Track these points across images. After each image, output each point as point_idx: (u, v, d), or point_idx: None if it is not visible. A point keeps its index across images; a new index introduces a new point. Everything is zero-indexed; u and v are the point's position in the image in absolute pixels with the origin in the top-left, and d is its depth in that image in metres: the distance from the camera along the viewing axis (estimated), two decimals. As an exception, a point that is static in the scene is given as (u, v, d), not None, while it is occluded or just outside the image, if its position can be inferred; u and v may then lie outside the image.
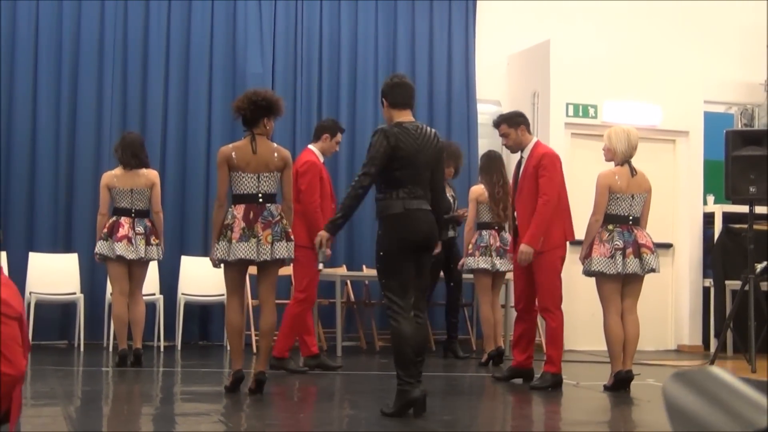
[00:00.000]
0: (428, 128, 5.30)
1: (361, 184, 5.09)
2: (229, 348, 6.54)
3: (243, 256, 5.76)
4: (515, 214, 6.41)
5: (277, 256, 5.83)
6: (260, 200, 5.85)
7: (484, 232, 7.67)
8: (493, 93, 10.31)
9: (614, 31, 10.07)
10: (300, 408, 5.96)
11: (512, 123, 6.38)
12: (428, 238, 5.13)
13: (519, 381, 6.35)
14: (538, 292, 6.25)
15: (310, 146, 7.20)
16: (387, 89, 5.24)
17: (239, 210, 5.81)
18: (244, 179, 5.84)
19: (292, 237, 5.98)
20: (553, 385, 6.15)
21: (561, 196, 6.23)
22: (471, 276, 8.18)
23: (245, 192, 5.84)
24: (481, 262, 7.62)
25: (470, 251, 7.68)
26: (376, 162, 5.06)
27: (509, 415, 5.95)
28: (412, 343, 4.97)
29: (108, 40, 9.36)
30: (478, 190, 7.77)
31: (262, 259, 5.78)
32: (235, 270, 5.90)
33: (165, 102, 9.50)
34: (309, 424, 5.32)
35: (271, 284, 6.00)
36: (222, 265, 5.91)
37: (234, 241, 5.78)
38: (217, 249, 5.80)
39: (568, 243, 6.41)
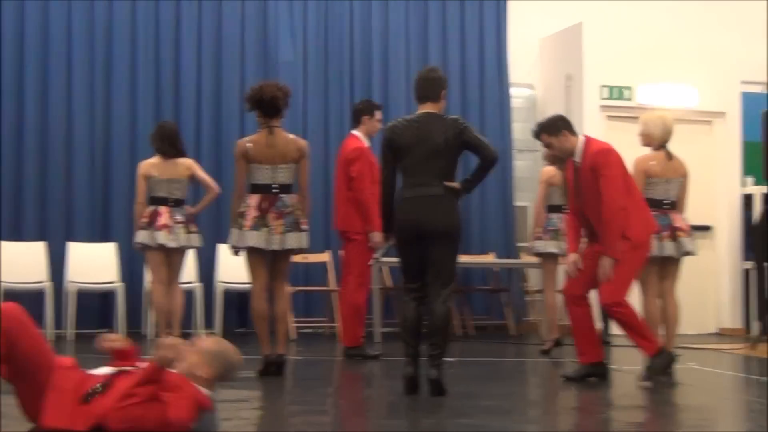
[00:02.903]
0: (442, 117, 5.37)
1: (381, 183, 5.44)
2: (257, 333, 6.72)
3: (253, 245, 5.95)
4: (585, 217, 5.87)
5: (288, 247, 6.01)
6: (275, 191, 6.01)
7: (553, 215, 7.39)
8: (526, 77, 10.33)
9: (648, 12, 9.97)
10: (338, 392, 5.99)
11: (552, 130, 5.89)
12: (421, 225, 5.20)
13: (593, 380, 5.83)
14: (610, 284, 5.68)
15: (354, 132, 7.23)
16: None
17: (253, 199, 6.00)
18: (259, 170, 6.02)
19: (304, 227, 6.11)
20: (669, 364, 5.79)
21: (629, 190, 5.74)
22: (532, 260, 8.09)
23: (260, 182, 6.02)
24: (550, 246, 7.41)
25: (539, 234, 7.49)
26: (383, 158, 5.40)
27: (553, 397, 5.90)
28: (407, 325, 5.23)
29: (140, 30, 9.46)
30: (550, 171, 7.36)
31: (271, 248, 5.96)
32: (252, 257, 6.08)
33: (198, 91, 9.58)
34: (348, 408, 5.37)
35: (281, 273, 6.17)
36: (240, 252, 6.11)
37: (245, 229, 5.97)
38: (232, 236, 6.04)
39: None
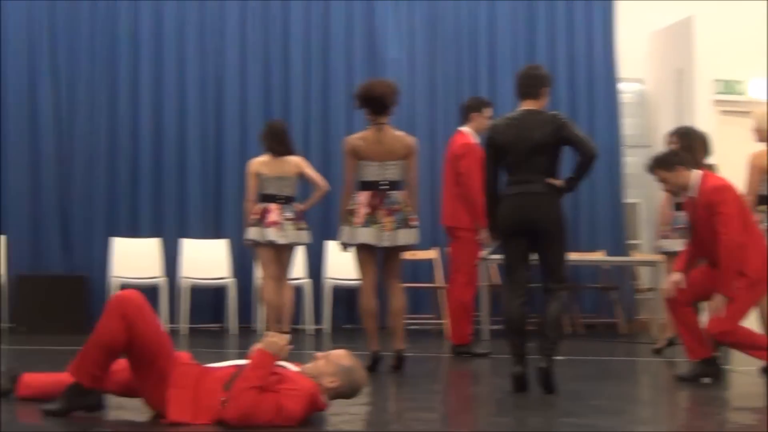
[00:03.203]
0: (542, 113, 5.36)
1: (484, 181, 5.43)
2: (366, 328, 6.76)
3: (364, 241, 5.98)
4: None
5: (399, 243, 6.03)
6: (383, 187, 6.03)
7: (680, 213, 7.02)
8: (636, 71, 10.26)
9: (760, 4, 9.71)
10: (446, 390, 5.97)
11: (667, 165, 5.84)
12: (523, 221, 5.24)
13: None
14: (721, 318, 5.52)
15: (462, 128, 7.21)
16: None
17: (363, 196, 6.02)
18: (369, 167, 6.03)
19: (414, 224, 6.12)
20: None
21: (746, 226, 5.58)
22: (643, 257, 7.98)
23: (370, 179, 6.04)
24: (678, 245, 7.02)
25: (665, 233, 7.30)
26: (486, 156, 5.43)
27: (665, 397, 5.72)
28: (512, 323, 5.22)
29: (249, 31, 9.67)
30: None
31: (383, 245, 6.00)
32: (361, 254, 6.11)
33: (306, 89, 9.74)
34: (456, 405, 5.38)
35: (393, 269, 6.20)
36: (349, 248, 6.14)
37: (356, 225, 6.01)
38: (342, 233, 6.07)
39: None
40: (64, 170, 9.36)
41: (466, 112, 7.26)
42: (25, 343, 7.66)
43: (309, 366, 4.24)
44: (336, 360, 4.25)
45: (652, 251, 8.69)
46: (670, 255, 7.27)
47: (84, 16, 9.48)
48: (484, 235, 6.67)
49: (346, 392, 4.26)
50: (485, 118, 7.09)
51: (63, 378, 4.36)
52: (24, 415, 4.29)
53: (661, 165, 5.82)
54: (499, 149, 5.30)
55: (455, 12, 9.95)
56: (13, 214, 9.17)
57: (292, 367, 4.22)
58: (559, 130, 5.22)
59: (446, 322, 7.94)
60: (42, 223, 9.30)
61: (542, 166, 5.21)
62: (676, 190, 5.91)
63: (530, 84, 5.37)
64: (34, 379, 4.54)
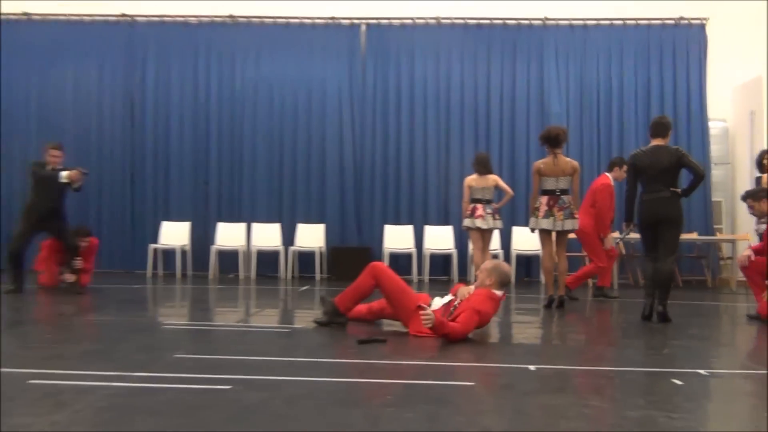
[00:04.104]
0: (668, 147, 5.35)
1: (626, 190, 5.51)
2: (543, 281, 6.83)
3: (545, 227, 6.15)
4: None
5: (566, 228, 6.16)
6: (557, 193, 6.16)
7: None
8: (721, 113, 9.84)
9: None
10: (589, 319, 5.81)
11: (755, 197, 5.81)
12: (656, 216, 5.23)
13: None
14: None
15: (607, 173, 7.17)
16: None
17: (544, 199, 6.17)
18: (548, 180, 6.16)
19: (576, 216, 6.18)
20: None
21: None
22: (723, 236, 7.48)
23: (548, 188, 6.18)
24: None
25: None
26: (628, 174, 5.55)
27: (740, 329, 5.35)
28: (648, 277, 5.43)
29: (467, 89, 9.64)
30: None
31: (556, 229, 6.15)
32: (543, 235, 6.25)
33: (500, 131, 9.84)
34: (598, 330, 5.25)
35: (562, 244, 6.26)
36: (534, 231, 6.23)
37: (540, 217, 6.16)
38: (530, 221, 6.24)
39: None
40: (357, 177, 9.72)
41: (612, 165, 7.27)
42: (335, 286, 7.99)
43: (476, 282, 4.53)
44: (484, 267, 4.39)
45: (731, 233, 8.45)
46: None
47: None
48: (608, 241, 6.85)
49: (503, 279, 4.32)
50: (623, 172, 6.96)
51: (363, 308, 4.82)
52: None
53: (750, 196, 5.90)
54: (638, 169, 5.35)
55: (596, 76, 9.76)
56: (330, 210, 9.76)
57: (471, 287, 4.43)
58: (680, 159, 5.26)
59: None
60: (345, 214, 9.75)
61: (668, 180, 5.24)
62: (759, 215, 5.89)
63: (660, 128, 5.41)
64: (355, 310, 4.75)
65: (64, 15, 10.44)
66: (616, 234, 7.67)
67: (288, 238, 9.65)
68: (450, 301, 4.25)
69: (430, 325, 3.93)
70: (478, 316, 4.13)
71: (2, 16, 10.36)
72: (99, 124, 10.33)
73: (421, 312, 3.94)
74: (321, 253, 9.48)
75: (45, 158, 7.21)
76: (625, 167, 6.70)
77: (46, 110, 10.31)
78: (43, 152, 7.50)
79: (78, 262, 7.30)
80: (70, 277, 7.25)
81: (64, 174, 7.01)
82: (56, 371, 3.21)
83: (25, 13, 10.50)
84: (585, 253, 7.74)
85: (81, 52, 10.34)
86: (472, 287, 4.34)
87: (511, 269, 4.49)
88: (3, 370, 3.23)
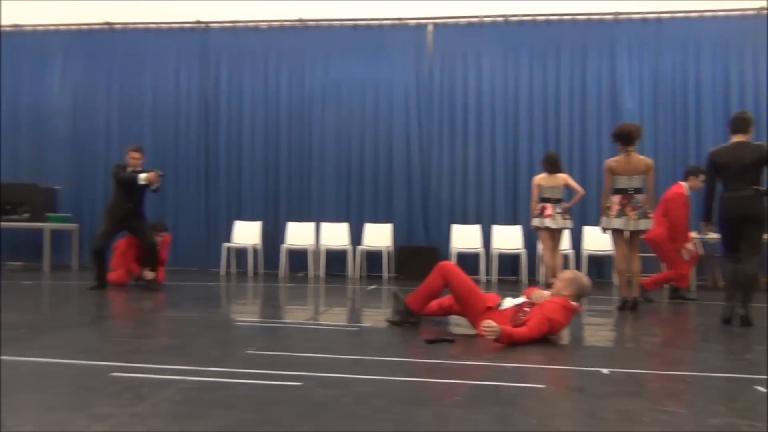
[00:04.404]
0: (750, 143, 5.16)
1: (705, 189, 5.40)
2: (616, 282, 6.77)
3: (617, 227, 6.00)
4: None
5: (640, 228, 6.00)
6: (630, 192, 6.00)
7: None
8: None
9: None
10: (666, 322, 5.56)
11: None
12: (738, 215, 5.08)
13: None
14: None
15: (682, 183, 6.99)
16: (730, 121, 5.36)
17: (616, 198, 6.03)
18: (620, 179, 6.01)
19: (650, 216, 6.00)
20: None
21: None
22: None
23: (621, 187, 6.03)
24: None
25: None
26: (707, 172, 5.38)
27: None
28: (728, 278, 5.23)
29: (536, 91, 9.66)
30: None
31: (629, 229, 5.98)
32: (615, 235, 6.07)
33: (570, 129, 9.78)
34: (674, 333, 5.07)
35: (634, 245, 6.08)
36: (606, 231, 6.08)
37: (611, 216, 6.01)
38: (602, 221, 6.10)
39: None
40: (425, 176, 9.79)
41: (687, 173, 7.07)
42: (403, 285, 8.12)
43: (553, 290, 4.42)
44: (563, 277, 4.30)
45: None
46: None
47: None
48: (687, 252, 6.65)
49: (581, 292, 4.22)
50: (699, 181, 6.87)
51: (434, 304, 4.81)
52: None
53: None
54: (718, 167, 5.19)
55: (671, 70, 9.53)
56: (397, 209, 9.85)
57: (547, 293, 4.32)
58: (762, 156, 5.09)
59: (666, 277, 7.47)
60: (412, 214, 9.83)
61: (750, 178, 5.09)
62: None
63: (741, 124, 5.21)
64: (426, 307, 4.75)
65: (143, 23, 10.89)
66: (694, 234, 7.51)
67: (356, 237, 9.79)
68: (522, 303, 4.20)
69: (493, 338, 3.88)
70: (549, 324, 4.07)
71: (88, 27, 10.89)
72: (175, 127, 10.76)
73: (483, 326, 3.87)
74: (388, 253, 9.56)
75: (126, 160, 7.52)
76: (701, 176, 6.71)
77: (127, 114, 10.83)
78: (124, 155, 7.81)
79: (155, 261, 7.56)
80: (149, 275, 7.50)
81: (142, 176, 7.29)
82: (136, 365, 3.32)
83: (107, 23, 10.90)
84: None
85: (159, 58, 10.82)
86: (547, 293, 4.26)
87: (590, 282, 4.35)
88: (87, 362, 3.36)
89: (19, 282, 7.69)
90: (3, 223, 10.03)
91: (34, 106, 10.99)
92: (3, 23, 11.19)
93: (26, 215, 10.00)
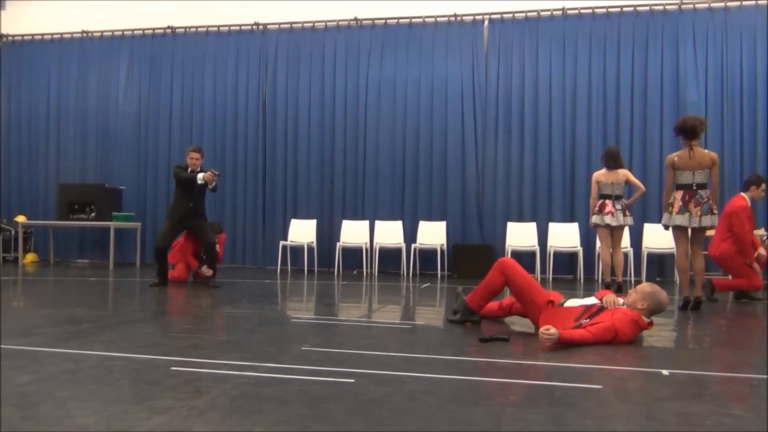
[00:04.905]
0: None
1: None
2: (678, 281, 6.53)
3: (679, 224, 5.85)
4: None
5: (703, 224, 5.82)
6: (694, 188, 5.85)
7: None
8: None
9: None
10: (731, 324, 5.42)
11: None
12: None
13: None
14: None
15: (743, 194, 6.78)
16: None
17: (679, 194, 5.88)
18: (683, 174, 5.86)
19: (715, 212, 5.83)
20: None
21: None
22: None
23: (684, 183, 5.89)
24: None
25: None
26: None
27: None
28: None
29: (594, 89, 9.67)
30: None
31: (692, 226, 5.84)
32: (677, 232, 5.90)
33: (631, 124, 9.57)
34: (735, 335, 4.91)
35: (698, 242, 5.94)
36: (668, 228, 5.90)
37: (674, 213, 5.87)
38: (664, 218, 5.96)
39: None
40: (479, 173, 9.70)
41: (747, 184, 6.80)
42: (458, 283, 8.13)
43: (627, 299, 4.15)
44: (641, 289, 4.10)
45: None
46: None
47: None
48: (755, 265, 6.51)
49: (656, 309, 4.05)
50: (761, 191, 6.70)
51: (494, 304, 4.80)
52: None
53: None
54: None
55: (739, 60, 9.25)
56: (452, 207, 9.94)
57: (621, 300, 4.14)
58: None
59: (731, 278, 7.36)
60: (467, 211, 9.82)
61: None
62: None
63: None
64: (487, 308, 4.74)
65: (203, 26, 11.13)
66: (762, 231, 7.36)
67: (410, 235, 9.86)
68: (593, 305, 4.08)
69: (550, 343, 3.76)
70: (614, 334, 3.93)
71: (151, 32, 11.23)
72: (234, 128, 10.99)
73: (543, 332, 3.74)
74: (442, 251, 9.59)
75: (186, 161, 7.62)
76: (763, 185, 6.60)
77: (188, 115, 11.14)
78: (184, 155, 8.08)
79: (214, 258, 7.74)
80: (207, 272, 7.67)
81: (200, 176, 7.46)
82: (195, 359, 3.39)
83: (170, 27, 11.19)
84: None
85: (218, 60, 11.09)
86: (621, 300, 4.12)
87: (668, 299, 4.17)
88: (149, 357, 3.46)
89: (86, 279, 7.95)
90: (71, 222, 10.47)
91: (102, 110, 11.44)
92: (72, 29, 11.54)
93: (93, 215, 10.48)
